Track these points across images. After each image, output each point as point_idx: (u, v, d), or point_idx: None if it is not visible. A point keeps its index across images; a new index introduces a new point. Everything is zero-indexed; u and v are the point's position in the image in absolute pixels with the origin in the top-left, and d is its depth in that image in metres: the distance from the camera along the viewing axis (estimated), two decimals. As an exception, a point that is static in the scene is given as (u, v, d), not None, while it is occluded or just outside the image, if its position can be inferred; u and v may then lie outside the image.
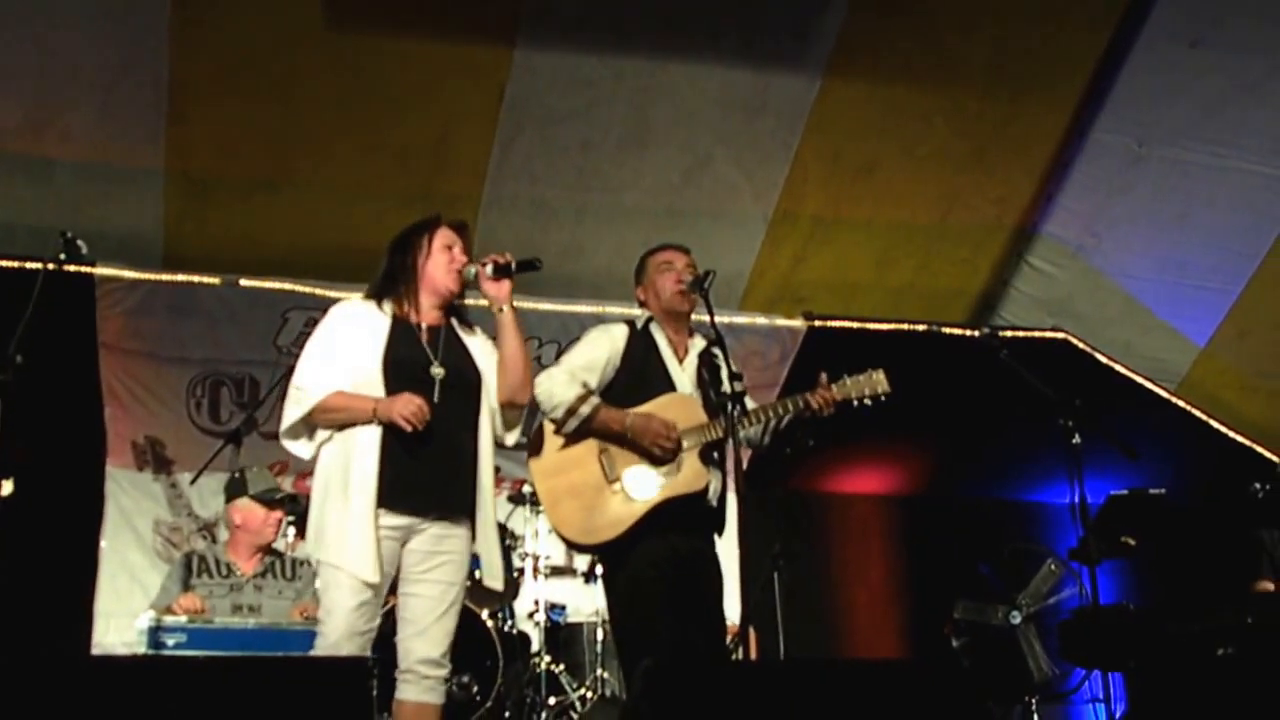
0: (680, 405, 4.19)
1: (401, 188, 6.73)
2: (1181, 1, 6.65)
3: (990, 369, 4.95)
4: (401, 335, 3.82)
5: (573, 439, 4.15)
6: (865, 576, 8.26)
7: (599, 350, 4.26)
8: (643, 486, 4.09)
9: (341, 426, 3.72)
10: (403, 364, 3.76)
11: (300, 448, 3.81)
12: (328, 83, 6.40)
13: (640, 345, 4.31)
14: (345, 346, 3.78)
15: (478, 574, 6.02)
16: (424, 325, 3.87)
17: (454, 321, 3.97)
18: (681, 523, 4.10)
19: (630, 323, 4.38)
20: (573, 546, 4.35)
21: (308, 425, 3.77)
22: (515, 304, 7.57)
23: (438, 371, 3.78)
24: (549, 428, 4.18)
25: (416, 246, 3.92)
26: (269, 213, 6.79)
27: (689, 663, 4.13)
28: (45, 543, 6.22)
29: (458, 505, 3.78)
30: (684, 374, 4.29)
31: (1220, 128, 7.14)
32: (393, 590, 3.80)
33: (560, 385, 4.11)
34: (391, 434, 3.66)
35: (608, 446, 4.13)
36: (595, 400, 4.12)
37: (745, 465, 4.05)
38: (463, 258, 3.92)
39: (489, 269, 3.87)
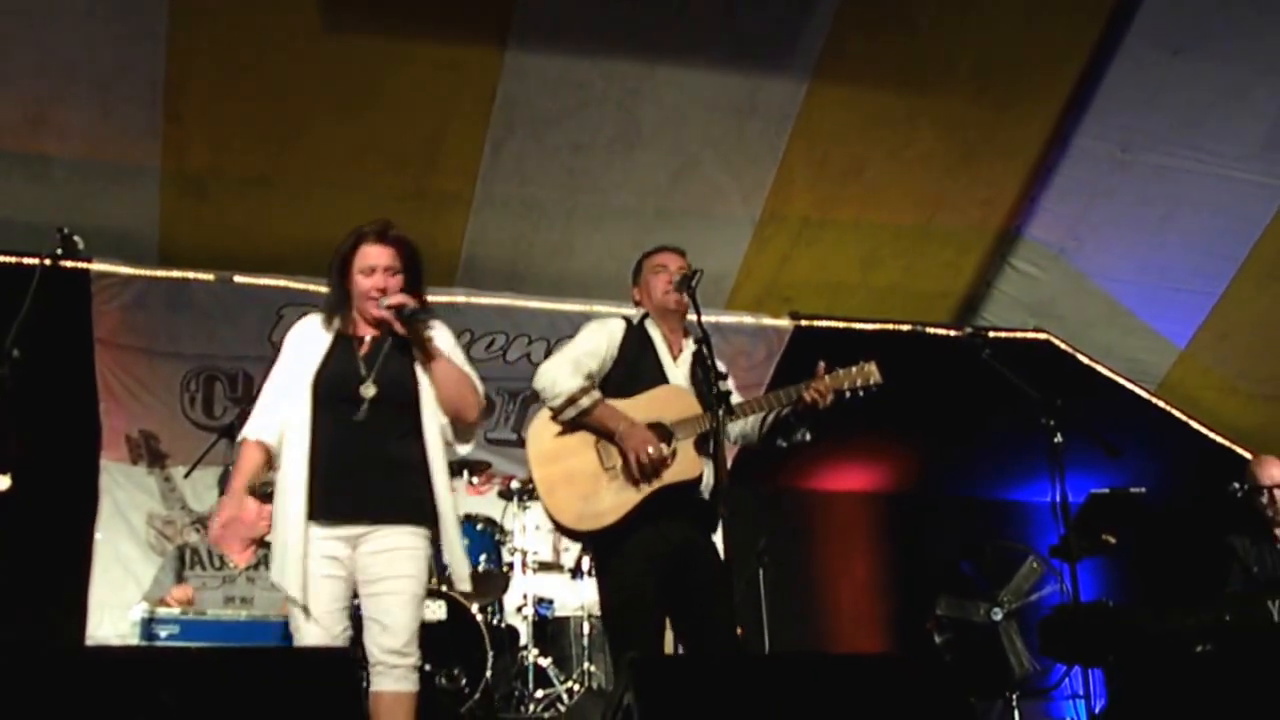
0: (674, 396, 4.23)
1: (394, 187, 6.78)
2: (1164, 10, 6.71)
3: (974, 369, 4.99)
4: (340, 352, 3.85)
5: (569, 428, 4.18)
6: (849, 573, 8.31)
7: (598, 341, 4.32)
8: (639, 475, 4.10)
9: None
10: (333, 382, 3.78)
11: None
12: (322, 83, 6.42)
13: (635, 341, 4.36)
14: (289, 376, 3.85)
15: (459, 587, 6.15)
16: (367, 338, 3.88)
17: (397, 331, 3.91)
18: (674, 511, 4.13)
19: (627, 319, 4.44)
20: (568, 534, 4.33)
21: None
22: (506, 302, 7.64)
23: (368, 391, 3.77)
24: (546, 415, 4.21)
25: (342, 272, 3.91)
26: (263, 210, 6.83)
27: (674, 656, 4.22)
28: (40, 535, 6.24)
29: (399, 512, 3.77)
30: (678, 370, 4.34)
31: (1202, 134, 7.20)
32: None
33: (564, 374, 4.17)
34: (317, 451, 3.73)
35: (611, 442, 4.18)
36: (596, 394, 4.17)
37: (731, 461, 4.11)
38: (383, 280, 3.84)
39: (392, 312, 3.82)
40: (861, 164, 7.32)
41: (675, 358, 4.38)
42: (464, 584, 4.04)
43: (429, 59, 6.45)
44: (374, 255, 3.87)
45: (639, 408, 4.19)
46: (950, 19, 6.70)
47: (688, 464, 4.14)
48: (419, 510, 3.79)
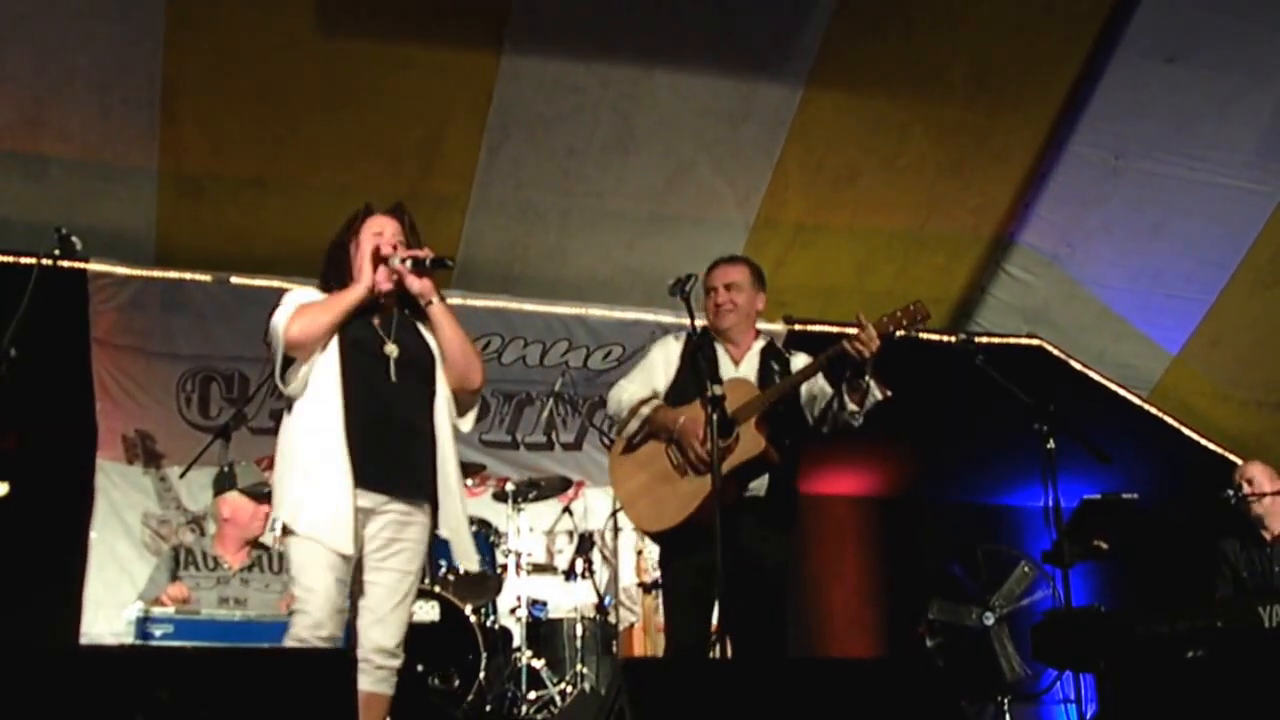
0: (734, 387, 4.31)
1: (390, 189, 6.73)
2: (1157, 19, 6.74)
3: (967, 374, 5.00)
4: (357, 319, 3.81)
5: (641, 442, 4.39)
6: (842, 577, 8.32)
7: (655, 360, 4.55)
8: (708, 465, 4.17)
9: (321, 340, 3.71)
10: (358, 342, 3.76)
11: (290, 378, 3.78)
12: (319, 85, 6.45)
13: (696, 351, 4.46)
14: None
15: (462, 569, 6.16)
16: (377, 313, 3.86)
17: (406, 310, 3.92)
18: (738, 509, 4.19)
19: (690, 333, 4.55)
20: (652, 537, 4.54)
21: (288, 356, 3.75)
22: (501, 305, 7.62)
23: (390, 349, 3.77)
24: (617, 441, 4.46)
25: (347, 242, 3.92)
26: (260, 212, 6.84)
27: (667, 659, 4.26)
28: (36, 534, 6.26)
29: (420, 487, 3.75)
30: (738, 374, 4.46)
31: (1194, 142, 7.24)
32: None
33: (627, 392, 4.43)
34: (352, 412, 3.67)
35: (675, 441, 4.33)
36: (656, 401, 4.39)
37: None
38: (393, 242, 3.86)
39: (408, 264, 3.82)
40: (856, 169, 7.35)
41: (737, 362, 4.51)
42: (470, 563, 4.01)
43: (425, 62, 6.47)
44: (384, 223, 3.92)
45: (700, 404, 4.26)
46: (945, 26, 6.73)
47: (749, 443, 4.23)
48: (430, 490, 3.77)
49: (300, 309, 3.76)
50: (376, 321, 3.84)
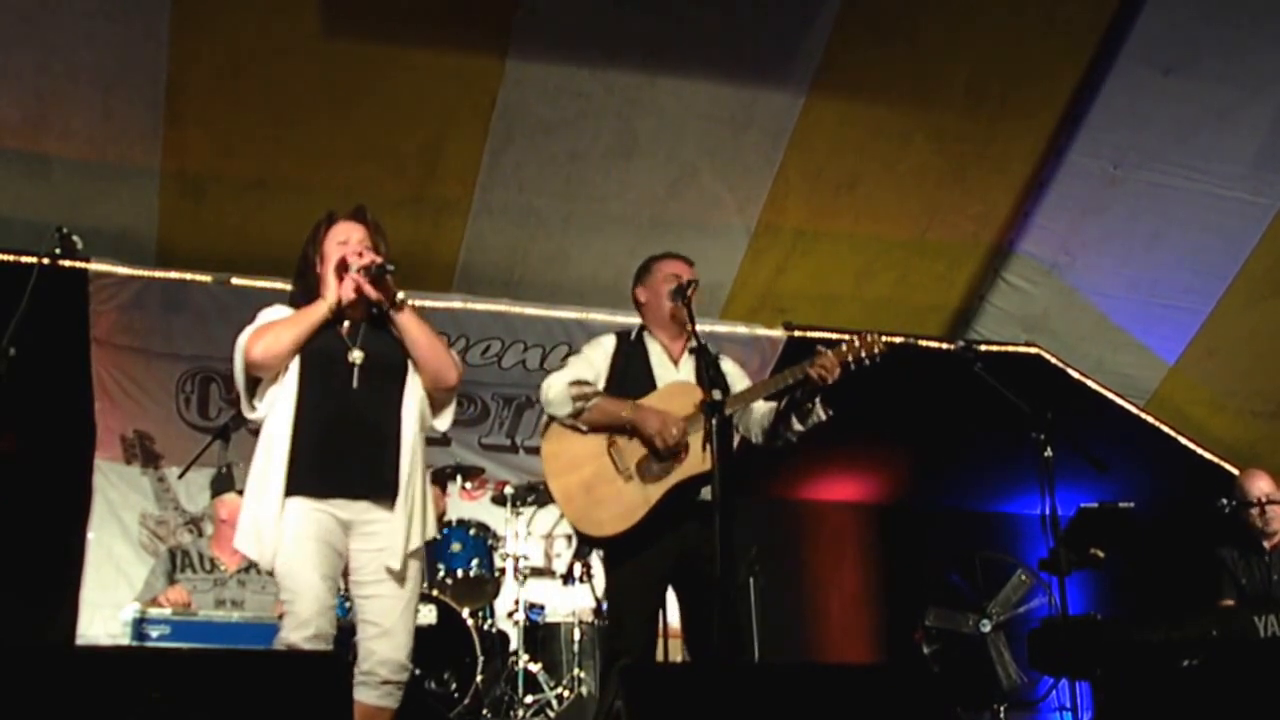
0: (683, 392, 4.26)
1: (393, 192, 6.79)
2: (1157, 30, 6.76)
3: (965, 382, 5.02)
4: (323, 330, 3.78)
5: (581, 437, 4.21)
6: (839, 583, 8.34)
7: (593, 355, 4.41)
8: (654, 473, 4.14)
9: (287, 356, 3.68)
10: (319, 352, 3.73)
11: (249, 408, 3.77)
12: (323, 88, 6.45)
13: (628, 354, 4.41)
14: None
15: (460, 572, 6.16)
16: (345, 322, 3.83)
17: (374, 311, 3.88)
18: (684, 514, 4.14)
19: (622, 334, 4.50)
20: (590, 541, 4.38)
21: (252, 377, 3.73)
22: (502, 308, 7.63)
23: (355, 356, 3.73)
24: (556, 429, 4.26)
25: (313, 254, 3.89)
26: (262, 213, 6.84)
27: (664, 664, 4.25)
28: (33, 533, 6.28)
29: (388, 488, 3.68)
30: (678, 375, 4.38)
31: (1193, 153, 7.26)
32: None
33: (559, 382, 4.23)
34: (303, 419, 3.64)
35: (616, 440, 4.19)
36: (597, 389, 4.25)
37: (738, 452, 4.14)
38: (359, 250, 3.82)
39: (364, 274, 3.78)
40: (856, 177, 7.36)
41: (676, 362, 4.42)
42: (395, 562, 3.74)
43: (429, 66, 6.48)
44: (348, 230, 3.88)
45: (649, 403, 4.22)
46: (946, 35, 6.75)
47: (700, 459, 4.14)
48: (391, 488, 3.71)
49: (262, 328, 3.74)
50: (344, 329, 3.81)
